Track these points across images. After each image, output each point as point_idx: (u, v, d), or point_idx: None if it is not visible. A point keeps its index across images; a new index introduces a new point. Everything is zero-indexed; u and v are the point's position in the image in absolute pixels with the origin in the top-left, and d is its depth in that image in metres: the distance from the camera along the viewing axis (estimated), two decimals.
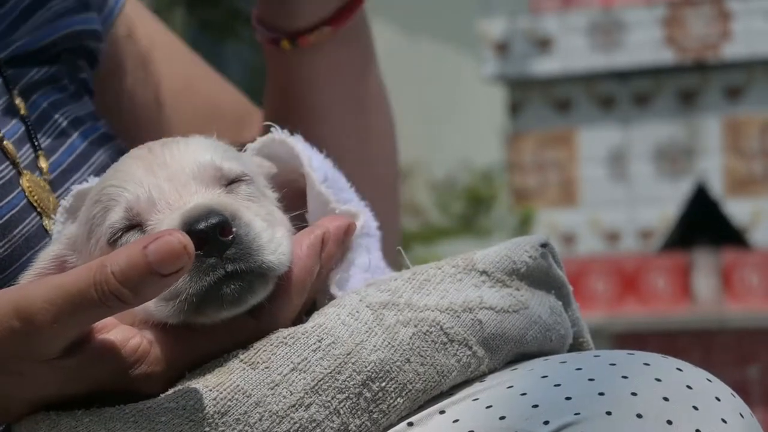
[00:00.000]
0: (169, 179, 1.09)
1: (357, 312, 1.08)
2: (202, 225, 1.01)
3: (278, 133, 1.20)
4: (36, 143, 1.28)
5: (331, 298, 1.14)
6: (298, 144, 1.20)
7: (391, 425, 1.07)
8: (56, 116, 1.32)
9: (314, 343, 1.05)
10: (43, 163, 1.27)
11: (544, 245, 1.16)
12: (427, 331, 1.08)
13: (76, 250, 1.14)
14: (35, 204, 1.23)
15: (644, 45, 5.96)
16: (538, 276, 1.15)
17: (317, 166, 1.19)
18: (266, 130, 1.22)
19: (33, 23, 1.32)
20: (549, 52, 6.08)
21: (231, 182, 1.11)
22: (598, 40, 6.01)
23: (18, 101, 1.28)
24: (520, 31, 6.13)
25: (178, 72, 1.51)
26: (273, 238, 1.06)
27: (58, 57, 1.35)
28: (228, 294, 1.03)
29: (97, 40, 1.40)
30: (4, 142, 1.24)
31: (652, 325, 5.51)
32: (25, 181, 1.24)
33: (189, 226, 1.01)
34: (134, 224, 1.08)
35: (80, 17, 1.37)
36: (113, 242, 1.08)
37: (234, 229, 1.03)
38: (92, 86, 1.41)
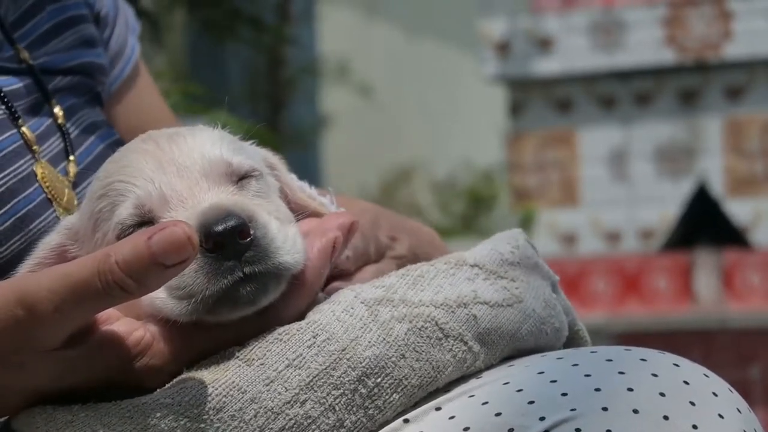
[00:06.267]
0: (180, 175, 1.08)
1: (352, 308, 1.08)
2: (220, 227, 1.01)
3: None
4: (69, 147, 1.30)
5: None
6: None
7: (387, 421, 1.07)
8: (74, 118, 1.34)
9: (309, 340, 1.05)
10: (72, 168, 1.29)
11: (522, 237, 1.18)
12: (422, 326, 1.08)
13: (78, 241, 1.14)
14: (47, 191, 1.24)
15: (645, 45, 5.95)
16: (527, 263, 1.16)
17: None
18: None
19: (49, 49, 1.36)
20: (550, 52, 6.08)
21: (241, 178, 1.11)
22: (599, 40, 6.01)
23: (53, 103, 1.32)
24: (520, 31, 6.13)
25: None
26: (287, 238, 1.06)
27: (78, 74, 1.39)
28: (243, 296, 1.03)
29: (103, 74, 1.44)
30: (23, 129, 1.26)
31: (653, 326, 5.50)
32: (39, 168, 1.24)
33: (207, 229, 1.01)
34: (145, 221, 1.08)
35: (92, 51, 1.41)
36: (122, 238, 1.07)
37: (252, 232, 1.03)
38: (104, 101, 1.45)
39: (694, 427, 1.02)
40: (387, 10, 10.02)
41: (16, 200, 1.21)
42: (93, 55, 1.41)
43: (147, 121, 1.53)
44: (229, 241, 1.02)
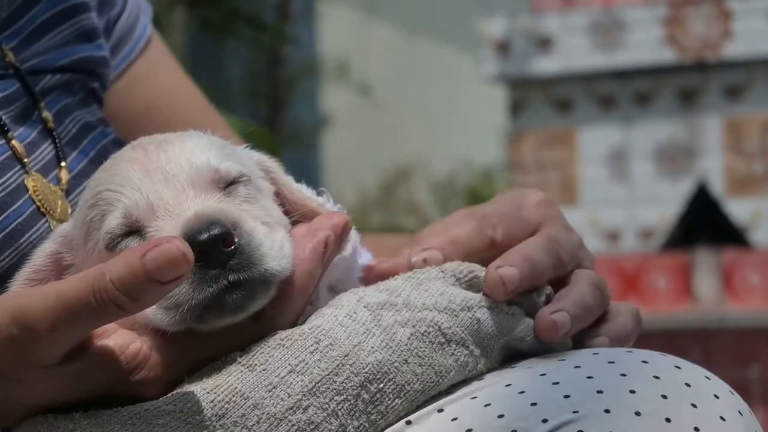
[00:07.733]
0: (167, 183, 1.08)
1: (355, 313, 1.08)
2: (204, 236, 1.01)
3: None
4: (60, 153, 1.28)
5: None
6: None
7: (389, 425, 1.07)
8: (66, 121, 1.33)
9: (312, 345, 1.05)
10: (64, 175, 1.28)
11: None
12: (425, 331, 1.08)
13: (72, 249, 1.14)
14: (39, 204, 1.23)
15: (645, 44, 5.95)
16: None
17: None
18: None
19: (43, 44, 1.34)
20: (549, 52, 6.08)
21: (229, 184, 1.11)
22: (599, 39, 6.01)
23: (42, 107, 1.30)
24: (520, 30, 6.13)
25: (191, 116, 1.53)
26: (274, 244, 1.06)
27: (70, 72, 1.36)
28: (230, 303, 1.03)
29: (104, 66, 1.42)
30: (12, 142, 1.24)
31: (653, 325, 5.50)
32: (30, 182, 1.23)
33: (191, 238, 1.01)
34: (133, 230, 1.08)
35: (88, 45, 1.39)
36: (112, 247, 1.08)
37: (236, 240, 1.03)
38: (102, 96, 1.42)
39: (696, 429, 1.02)
40: (386, 9, 10.03)
41: (5, 214, 1.19)
42: (91, 49, 1.39)
43: (166, 100, 1.52)
44: (213, 249, 1.01)
